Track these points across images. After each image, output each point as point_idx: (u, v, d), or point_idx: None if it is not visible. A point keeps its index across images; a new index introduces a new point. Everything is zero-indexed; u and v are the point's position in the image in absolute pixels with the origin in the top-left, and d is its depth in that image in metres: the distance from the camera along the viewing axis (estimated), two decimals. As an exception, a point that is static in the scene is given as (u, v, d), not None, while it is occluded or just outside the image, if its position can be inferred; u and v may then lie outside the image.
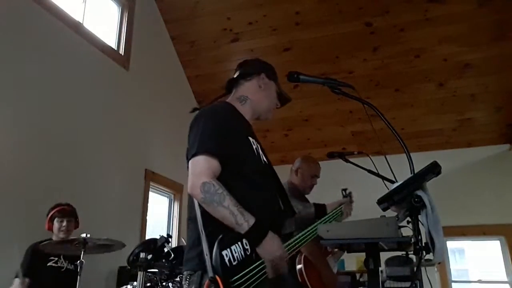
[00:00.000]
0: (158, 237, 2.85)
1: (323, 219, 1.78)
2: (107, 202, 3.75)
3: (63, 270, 2.80)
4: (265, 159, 1.58)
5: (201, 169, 1.32)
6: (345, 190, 2.55)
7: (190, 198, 1.41)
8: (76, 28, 3.63)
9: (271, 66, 1.74)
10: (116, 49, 4.19)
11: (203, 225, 1.30)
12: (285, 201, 1.60)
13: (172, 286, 2.68)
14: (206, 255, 1.21)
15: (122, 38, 4.29)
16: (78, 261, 2.47)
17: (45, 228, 2.86)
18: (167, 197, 4.88)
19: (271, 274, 1.28)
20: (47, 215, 2.86)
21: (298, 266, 2.40)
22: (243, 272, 1.20)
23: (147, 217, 4.26)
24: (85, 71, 3.68)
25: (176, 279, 2.69)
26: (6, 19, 3.00)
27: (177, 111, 4.93)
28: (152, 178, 4.39)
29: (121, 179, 3.97)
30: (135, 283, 2.65)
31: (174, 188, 4.79)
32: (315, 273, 2.45)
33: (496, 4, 4.05)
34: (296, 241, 1.49)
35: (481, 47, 4.38)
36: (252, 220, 1.28)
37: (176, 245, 4.06)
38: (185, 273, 1.35)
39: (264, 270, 1.27)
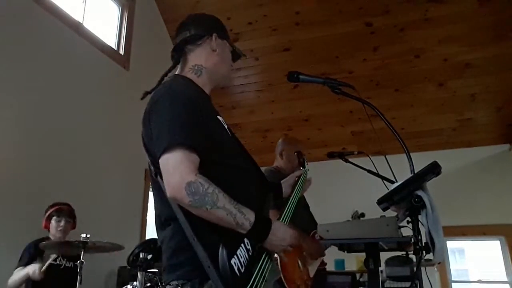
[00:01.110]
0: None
1: (289, 202, 1.53)
2: (107, 202, 3.75)
3: (62, 268, 2.79)
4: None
5: (181, 167, 1.08)
6: (297, 152, 2.23)
7: (158, 196, 1.23)
8: (76, 28, 3.63)
9: (220, 22, 1.53)
10: (116, 49, 4.19)
11: (192, 229, 1.11)
12: (262, 179, 1.43)
13: (172, 286, 2.68)
14: (209, 267, 1.04)
15: (122, 38, 4.29)
16: (78, 261, 2.46)
17: (42, 226, 2.83)
18: (167, 197, 4.88)
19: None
20: (45, 213, 2.84)
21: None
22: (253, 277, 1.09)
23: (147, 217, 4.26)
24: (85, 71, 3.68)
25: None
26: (6, 19, 3.00)
27: (177, 111, 4.93)
28: (152, 178, 4.38)
29: (121, 179, 3.97)
30: (135, 283, 2.65)
31: (174, 188, 4.78)
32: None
33: (496, 4, 4.05)
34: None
35: (481, 47, 4.37)
36: (252, 216, 1.12)
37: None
38: (173, 283, 1.14)
39: (267, 267, 1.18)
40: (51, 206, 2.86)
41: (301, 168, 2.12)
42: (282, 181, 1.68)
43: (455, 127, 5.17)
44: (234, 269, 1.04)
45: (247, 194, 1.23)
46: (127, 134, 4.08)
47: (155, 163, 1.19)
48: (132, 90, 4.24)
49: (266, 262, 1.18)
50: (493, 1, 4.04)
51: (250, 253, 1.12)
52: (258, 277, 1.11)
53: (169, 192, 1.09)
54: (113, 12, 4.34)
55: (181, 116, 1.16)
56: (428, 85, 4.81)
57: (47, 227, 2.83)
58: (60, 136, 3.34)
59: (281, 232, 1.19)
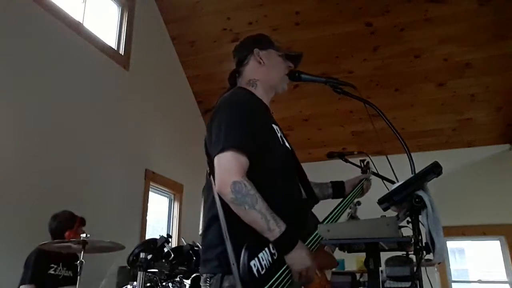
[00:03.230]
0: (158, 237, 2.84)
1: (345, 200, 1.68)
2: (107, 202, 3.75)
3: (61, 277, 2.77)
4: (288, 145, 1.52)
5: (230, 166, 1.23)
6: (363, 161, 2.30)
7: (209, 196, 1.35)
8: (76, 28, 3.63)
9: (261, 36, 1.64)
10: (116, 49, 4.19)
11: (227, 227, 1.23)
12: (307, 188, 1.54)
13: (172, 286, 2.68)
14: (233, 264, 1.15)
15: (122, 38, 4.28)
16: (78, 261, 2.46)
17: (65, 236, 2.74)
18: (167, 197, 4.88)
19: (298, 280, 1.25)
20: (74, 225, 2.75)
21: None
22: (272, 280, 1.17)
23: (147, 217, 4.26)
24: (85, 71, 3.68)
25: (176, 279, 2.69)
26: (6, 19, 3.00)
27: (177, 111, 4.94)
28: (152, 178, 4.38)
29: (121, 179, 3.97)
30: (135, 283, 2.65)
31: (174, 188, 4.79)
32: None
33: (496, 4, 4.05)
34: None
35: (481, 47, 4.38)
36: (283, 227, 1.21)
37: (176, 245, 4.05)
38: (204, 275, 1.28)
39: (289, 275, 1.24)
40: (75, 217, 2.78)
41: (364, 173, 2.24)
42: (346, 180, 1.87)
43: (455, 127, 5.18)
44: (252, 270, 1.13)
45: (285, 200, 1.33)
46: (127, 134, 4.08)
47: (210, 164, 1.33)
48: (132, 90, 4.26)
49: (289, 271, 1.24)
50: (493, 1, 4.04)
51: (275, 257, 1.21)
52: (279, 281, 1.19)
53: (217, 187, 1.25)
54: (113, 12, 4.34)
55: (237, 123, 1.31)
56: (428, 85, 4.81)
57: (72, 237, 2.71)
58: (60, 136, 3.34)
59: (305, 252, 1.25)
